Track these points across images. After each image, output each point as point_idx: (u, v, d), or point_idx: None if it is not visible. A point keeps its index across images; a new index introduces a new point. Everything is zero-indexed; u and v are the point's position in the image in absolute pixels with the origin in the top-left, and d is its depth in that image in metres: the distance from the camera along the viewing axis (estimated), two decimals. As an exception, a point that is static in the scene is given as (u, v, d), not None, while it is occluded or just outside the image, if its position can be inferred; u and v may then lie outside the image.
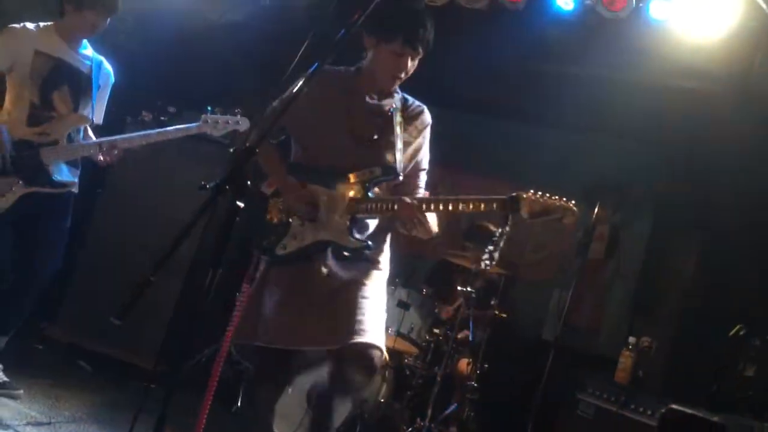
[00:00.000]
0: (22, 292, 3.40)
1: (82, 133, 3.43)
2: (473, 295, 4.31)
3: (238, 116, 3.25)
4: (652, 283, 4.97)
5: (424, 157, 2.70)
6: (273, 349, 2.48)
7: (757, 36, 3.89)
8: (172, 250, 1.53)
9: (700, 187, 4.60)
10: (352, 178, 2.49)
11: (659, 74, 4.40)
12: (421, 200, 2.42)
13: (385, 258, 2.64)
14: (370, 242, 2.49)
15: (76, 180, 3.46)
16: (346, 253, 2.48)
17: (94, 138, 3.49)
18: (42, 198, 3.31)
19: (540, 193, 2.28)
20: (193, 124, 3.34)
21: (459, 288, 4.42)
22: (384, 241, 2.65)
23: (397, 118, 2.57)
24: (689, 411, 2.83)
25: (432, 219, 2.47)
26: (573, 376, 4.26)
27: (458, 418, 4.38)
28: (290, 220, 2.54)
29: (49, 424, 3.35)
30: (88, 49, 3.46)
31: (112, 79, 3.58)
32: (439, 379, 4.18)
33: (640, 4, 4.09)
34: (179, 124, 4.76)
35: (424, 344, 4.53)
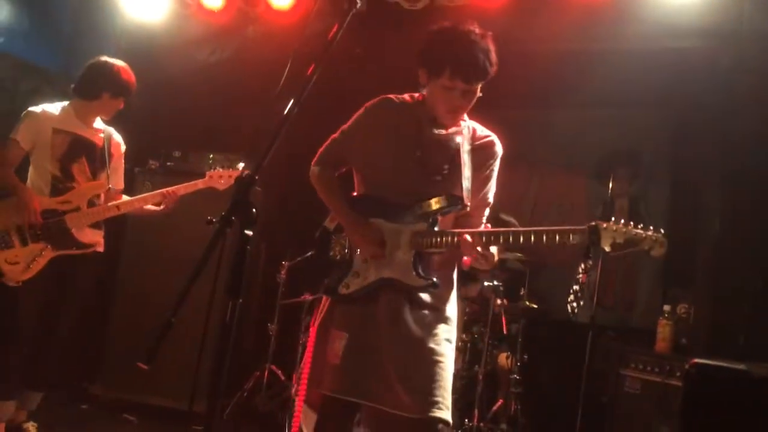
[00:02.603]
0: (46, 350, 3.64)
1: (102, 198, 3.76)
2: (501, 288, 4.29)
3: (243, 168, 3.48)
4: (680, 248, 4.91)
5: (491, 190, 2.53)
6: (339, 400, 2.33)
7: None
8: (188, 288, 1.55)
9: (715, 143, 4.55)
10: (417, 211, 2.35)
11: (652, 39, 4.38)
12: (487, 233, 2.22)
13: (452, 306, 2.47)
14: (435, 280, 2.33)
15: (101, 239, 3.76)
16: (413, 294, 2.34)
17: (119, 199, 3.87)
18: (69, 259, 3.61)
19: (622, 222, 2.07)
20: (200, 180, 3.76)
21: (486, 283, 4.40)
22: (450, 284, 2.48)
23: (465, 147, 2.44)
24: (713, 363, 2.76)
25: (494, 249, 2.29)
26: (614, 354, 4.22)
27: (506, 414, 4.35)
28: (353, 257, 2.42)
29: (103, 480, 3.39)
30: (100, 123, 3.82)
31: (123, 147, 3.93)
32: (480, 377, 4.15)
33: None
34: (186, 167, 4.86)
35: (460, 345, 4.51)
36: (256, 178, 1.66)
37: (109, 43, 5.39)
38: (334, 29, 1.99)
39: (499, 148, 2.53)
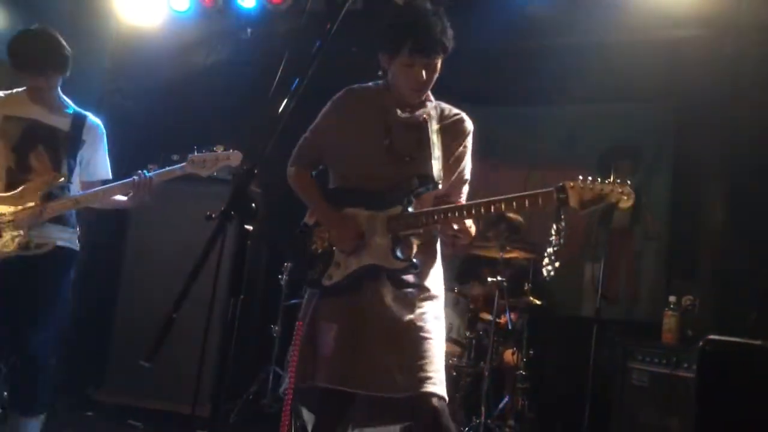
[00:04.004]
0: (25, 368, 3.12)
1: (73, 190, 3.27)
2: (505, 284, 4.27)
3: (229, 151, 3.09)
4: (682, 239, 4.90)
5: (466, 167, 2.55)
6: (335, 391, 2.34)
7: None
8: (188, 285, 1.53)
9: (717, 133, 4.52)
10: (391, 195, 2.38)
11: (648, 29, 4.36)
12: (460, 208, 2.27)
13: (437, 283, 2.50)
14: (415, 261, 2.36)
15: (64, 235, 3.21)
16: (395, 276, 2.36)
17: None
18: (23, 261, 3.09)
19: (589, 178, 2.09)
20: (178, 166, 3.20)
21: (489, 279, 4.38)
22: (433, 259, 2.50)
23: (433, 127, 2.46)
24: (729, 339, 2.74)
25: (470, 222, 2.34)
26: (620, 347, 4.19)
27: (513, 409, 4.33)
28: (334, 248, 2.45)
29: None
30: (67, 108, 3.31)
31: (101, 131, 3.39)
32: (486, 373, 4.13)
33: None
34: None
35: (465, 342, 4.48)
36: (255, 172, 1.64)
37: (105, 48, 5.39)
38: (328, 26, 1.98)
39: (469, 125, 2.55)
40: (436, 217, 2.29)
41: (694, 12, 4.10)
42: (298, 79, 1.82)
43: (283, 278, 4.78)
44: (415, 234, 2.39)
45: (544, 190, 2.13)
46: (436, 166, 2.41)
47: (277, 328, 4.75)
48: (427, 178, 2.38)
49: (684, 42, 4.43)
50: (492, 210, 2.21)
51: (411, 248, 2.39)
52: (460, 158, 2.52)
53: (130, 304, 4.86)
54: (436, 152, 2.42)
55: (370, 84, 2.54)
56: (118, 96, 5.37)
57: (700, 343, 2.76)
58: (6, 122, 3.17)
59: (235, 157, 3.08)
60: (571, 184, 2.08)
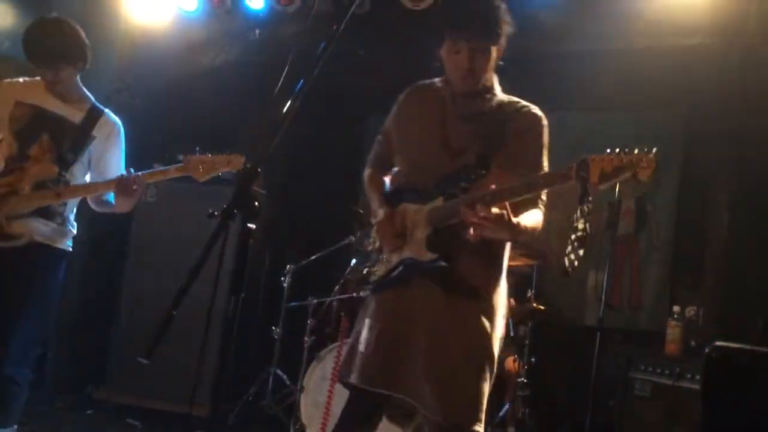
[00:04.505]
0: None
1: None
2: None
3: (229, 155, 2.95)
4: (688, 249, 4.86)
5: (535, 160, 2.33)
6: (366, 392, 2.28)
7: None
8: (188, 282, 1.51)
9: (725, 141, 4.50)
10: (436, 188, 2.31)
11: (657, 37, 4.35)
12: (482, 195, 2.13)
13: (499, 295, 2.32)
14: (443, 261, 2.23)
15: (44, 230, 3.02)
16: (445, 278, 2.24)
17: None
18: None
19: (608, 150, 2.01)
20: (173, 167, 3.06)
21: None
22: (495, 267, 2.33)
23: (491, 118, 2.35)
24: (736, 345, 2.69)
25: (527, 217, 2.18)
26: (623, 357, 4.17)
27: (514, 417, 4.30)
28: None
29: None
30: (86, 102, 3.21)
31: (117, 129, 3.24)
32: (487, 380, 4.10)
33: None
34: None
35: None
36: (258, 171, 1.63)
37: (114, 46, 5.40)
38: (334, 26, 1.97)
39: (538, 116, 2.39)
40: (463, 205, 2.15)
41: (703, 21, 4.09)
42: (302, 80, 1.82)
43: (286, 280, 4.77)
44: (456, 225, 2.21)
45: (562, 169, 2.07)
46: (482, 157, 2.29)
47: (278, 329, 4.73)
48: (471, 168, 2.27)
49: (692, 50, 4.42)
50: (516, 192, 2.10)
51: (449, 242, 2.25)
52: (525, 149, 2.33)
53: (132, 303, 4.85)
54: (489, 143, 2.31)
55: (436, 79, 2.48)
56: (125, 94, 5.38)
57: (706, 350, 2.72)
58: (16, 108, 3.07)
59: (235, 163, 2.96)
60: (593, 157, 2.00)
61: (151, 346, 1.46)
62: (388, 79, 5.64)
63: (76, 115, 3.13)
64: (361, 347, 2.32)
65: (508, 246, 2.40)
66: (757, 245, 4.21)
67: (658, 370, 3.91)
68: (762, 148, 4.19)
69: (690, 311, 4.25)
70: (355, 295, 4.44)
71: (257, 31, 5.20)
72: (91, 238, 4.97)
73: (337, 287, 4.64)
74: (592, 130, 5.22)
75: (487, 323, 2.26)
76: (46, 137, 3.06)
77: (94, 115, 3.17)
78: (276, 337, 4.73)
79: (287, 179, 5.66)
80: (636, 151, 1.99)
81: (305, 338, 4.49)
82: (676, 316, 4.10)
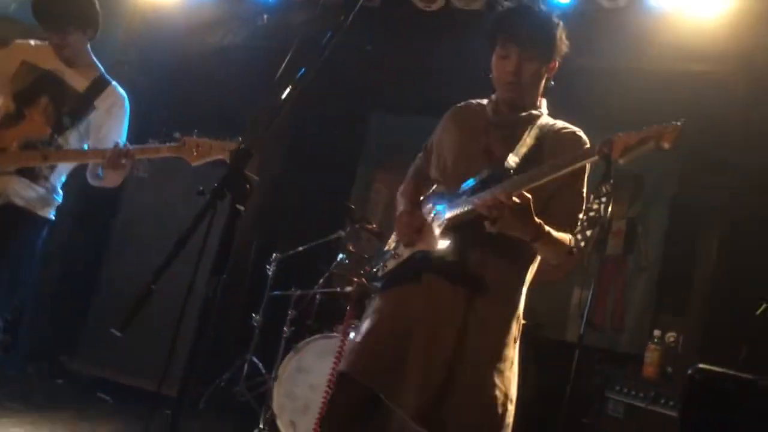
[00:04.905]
0: None
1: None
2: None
3: (227, 142, 2.86)
4: (674, 275, 4.87)
5: (570, 181, 2.20)
6: (352, 383, 2.19)
7: (759, 11, 3.82)
8: (171, 257, 1.50)
9: (718, 171, 4.51)
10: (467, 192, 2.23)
11: (666, 61, 4.35)
12: (496, 189, 2.03)
13: (511, 294, 2.24)
14: (452, 250, 2.14)
15: (26, 193, 2.97)
16: (458, 276, 2.14)
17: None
18: None
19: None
20: (165, 145, 2.98)
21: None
22: (511, 266, 2.23)
23: (532, 132, 2.27)
24: (719, 369, 2.69)
25: (554, 230, 2.08)
26: (600, 376, 4.17)
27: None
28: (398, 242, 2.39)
29: (70, 456, 3.34)
30: (94, 70, 3.19)
31: (122, 102, 3.22)
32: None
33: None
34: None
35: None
36: (252, 153, 1.61)
37: (121, 19, 5.36)
38: (342, 17, 1.96)
39: (584, 140, 2.32)
40: (477, 197, 2.07)
41: (711, 48, 4.09)
42: (304, 69, 1.80)
43: (271, 268, 4.74)
44: (474, 221, 2.09)
45: (585, 148, 2.11)
46: (513, 159, 2.19)
47: (258, 317, 4.71)
48: (498, 168, 2.17)
49: (697, 77, 4.42)
50: (539, 179, 2.00)
51: (465, 236, 2.15)
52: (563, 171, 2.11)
53: (114, 276, 4.82)
54: (522, 149, 2.22)
55: (484, 99, 2.45)
56: (127, 68, 5.34)
57: (689, 371, 2.71)
58: (21, 68, 3.03)
59: (231, 151, 2.85)
60: (619, 134, 1.97)
61: (127, 319, 1.44)
62: (393, 78, 5.67)
63: (80, 82, 3.10)
64: (358, 338, 2.28)
65: (537, 259, 2.28)
66: (743, 280, 4.22)
67: (633, 392, 3.91)
68: (756, 183, 4.20)
69: (670, 337, 4.25)
70: (339, 290, 4.43)
71: (265, 17, 5.17)
72: (79, 208, 4.94)
73: (321, 280, 4.62)
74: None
75: (509, 336, 2.18)
76: (45, 99, 3.02)
77: (99, 85, 3.14)
78: (255, 324, 4.70)
79: (283, 169, 5.64)
80: (652, 124, 1.98)
81: (285, 328, 4.48)
82: (656, 340, 4.10)
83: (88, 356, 4.73)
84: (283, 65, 1.90)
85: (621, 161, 1.95)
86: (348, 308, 4.06)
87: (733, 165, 4.42)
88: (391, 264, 2.35)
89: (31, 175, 2.96)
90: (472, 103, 2.48)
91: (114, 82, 3.21)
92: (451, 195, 2.27)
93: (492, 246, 2.13)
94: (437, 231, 2.23)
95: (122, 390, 4.53)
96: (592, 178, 2.26)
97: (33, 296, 4.93)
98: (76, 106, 3.07)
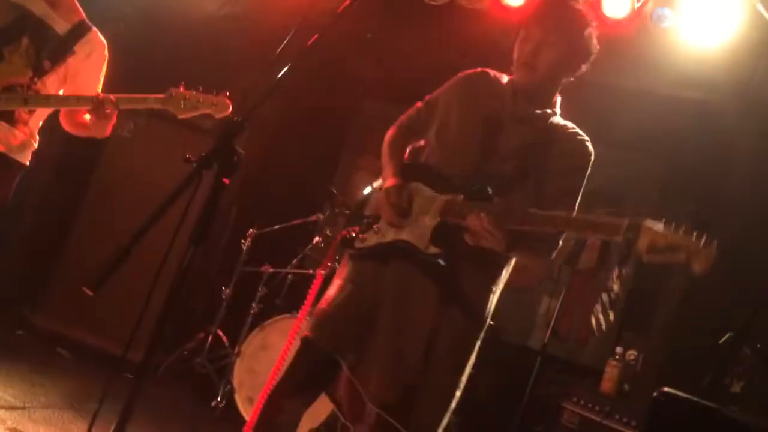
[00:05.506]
0: None
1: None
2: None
3: (216, 95, 2.77)
4: (641, 294, 4.94)
5: (569, 184, 2.28)
6: (318, 349, 2.19)
7: (759, 45, 3.86)
8: (151, 222, 1.48)
9: (697, 197, 4.58)
10: (460, 183, 2.19)
11: (662, 84, 4.39)
12: (503, 215, 2.02)
13: (480, 303, 2.25)
14: (443, 259, 2.13)
15: (4, 141, 2.90)
16: (423, 261, 2.14)
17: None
18: None
19: (668, 224, 1.84)
20: (153, 96, 2.84)
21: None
22: (490, 274, 2.26)
23: (544, 132, 2.25)
24: (683, 395, 2.72)
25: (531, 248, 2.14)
26: (559, 386, 4.22)
27: (440, 423, 4.32)
28: (380, 215, 2.30)
29: (23, 408, 3.30)
30: (77, 13, 3.07)
31: (101, 49, 3.11)
32: (422, 382, 4.12)
33: (644, 12, 4.07)
34: (171, 112, 4.71)
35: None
36: (244, 125, 1.60)
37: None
38: (346, 3, 1.95)
39: (589, 150, 2.33)
40: (481, 214, 2.03)
41: (706, 76, 4.13)
42: (302, 50, 1.79)
43: (246, 243, 4.72)
44: (463, 226, 2.10)
45: (615, 220, 1.89)
46: (512, 164, 2.19)
47: (228, 291, 4.69)
48: (508, 177, 2.17)
49: (688, 103, 4.46)
50: (548, 223, 1.98)
51: (455, 242, 2.13)
52: (564, 174, 2.25)
53: (86, 233, 4.76)
54: (533, 153, 2.21)
55: (504, 74, 2.37)
56: (121, 24, 5.26)
57: (654, 394, 2.74)
58: (1, 3, 2.88)
59: (220, 106, 2.79)
60: (648, 224, 1.83)
61: (100, 279, 1.42)
62: (391, 68, 5.65)
63: (62, 25, 2.99)
64: (325, 305, 2.26)
65: (512, 262, 2.31)
66: (707, 307, 4.30)
67: (589, 405, 3.96)
68: (731, 213, 4.27)
69: (630, 354, 4.31)
70: (311, 272, 4.43)
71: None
72: (58, 161, 4.86)
73: (294, 261, 4.61)
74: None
75: (470, 330, 2.22)
76: (26, 40, 2.91)
77: (80, 30, 3.03)
78: (224, 297, 4.68)
79: (270, 145, 5.60)
80: (695, 237, 1.82)
81: (253, 305, 4.47)
82: (617, 356, 4.16)
83: (51, 310, 4.67)
84: (283, 43, 1.89)
85: (646, 258, 1.83)
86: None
87: (710, 193, 4.49)
88: (371, 240, 2.28)
89: (10, 119, 2.88)
90: (490, 75, 2.37)
91: (95, 29, 3.10)
92: (443, 181, 2.23)
93: (471, 251, 2.14)
94: (429, 224, 2.18)
95: (82, 348, 4.49)
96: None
97: (1, 243, 4.85)
98: (56, 50, 2.96)
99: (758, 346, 3.52)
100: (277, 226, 4.75)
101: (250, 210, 5.25)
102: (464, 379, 2.24)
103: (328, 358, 2.18)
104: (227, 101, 2.75)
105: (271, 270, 4.59)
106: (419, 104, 2.47)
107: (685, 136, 4.60)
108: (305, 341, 2.23)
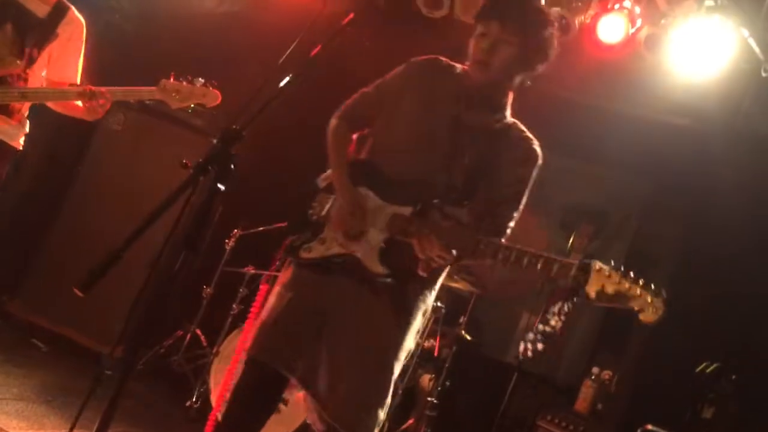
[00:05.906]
0: None
1: (31, 84, 2.92)
2: (443, 311, 4.28)
3: (206, 87, 2.81)
4: (620, 315, 4.98)
5: (516, 198, 2.23)
6: (264, 366, 2.17)
7: (748, 77, 3.93)
8: (145, 225, 1.48)
9: (680, 225, 4.64)
10: (408, 191, 2.12)
11: (652, 109, 4.45)
12: (454, 241, 2.00)
13: (420, 313, 2.23)
14: (391, 279, 2.09)
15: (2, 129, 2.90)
16: (373, 282, 2.11)
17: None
18: None
19: (622, 268, 1.78)
20: (146, 88, 2.86)
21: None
22: (427, 287, 2.23)
23: (494, 139, 2.19)
24: None
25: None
26: (534, 401, 4.25)
27: (415, 433, 4.34)
28: (327, 222, 2.22)
29: (-4, 399, 3.26)
30: None
31: (81, 29, 3.04)
32: (400, 391, 4.13)
33: (637, 38, 4.13)
34: (164, 107, 4.67)
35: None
36: (243, 134, 1.61)
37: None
38: (349, 17, 1.96)
39: (535, 152, 2.26)
40: (434, 238, 1.99)
41: (694, 103, 4.20)
42: (305, 60, 1.80)
43: (229, 243, 4.70)
44: (409, 243, 2.08)
45: (566, 260, 1.84)
46: (473, 184, 2.15)
47: (209, 290, 4.66)
48: (452, 189, 2.13)
49: (677, 129, 4.52)
50: (499, 257, 1.92)
51: (405, 257, 2.09)
52: (512, 183, 2.21)
53: (70, 225, 4.71)
54: (482, 163, 2.15)
55: (457, 64, 2.27)
56: (117, 16, 5.22)
57: (638, 430, 2.76)
58: None
59: (211, 97, 2.83)
60: (599, 267, 1.77)
61: (91, 282, 1.42)
62: (384, 74, 5.65)
63: (41, 8, 2.93)
64: (265, 316, 2.20)
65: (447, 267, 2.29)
66: (684, 333, 4.35)
67: (563, 423, 4.00)
68: (712, 243, 4.33)
69: (605, 374, 4.36)
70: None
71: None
72: (46, 149, 4.81)
73: (277, 263, 4.60)
74: (555, 174, 5.30)
75: (403, 338, 2.18)
76: (9, 27, 2.86)
77: (59, 11, 2.97)
78: (204, 297, 4.66)
79: (261, 147, 5.58)
80: (642, 283, 1.77)
81: (234, 305, 4.45)
82: (593, 376, 4.20)
83: (29, 300, 4.61)
84: (288, 52, 1.89)
85: (592, 302, 1.79)
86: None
87: (692, 218, 4.55)
88: (316, 251, 2.19)
89: (6, 112, 2.86)
90: (446, 67, 2.27)
91: (72, 6, 3.03)
92: (389, 188, 2.16)
93: (417, 265, 2.11)
94: (375, 240, 2.12)
95: (57, 341, 4.44)
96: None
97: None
98: (39, 35, 2.91)
99: (733, 377, 3.57)
100: (261, 228, 4.74)
101: (235, 210, 5.22)
102: (394, 378, 2.21)
103: (275, 374, 2.17)
104: (217, 92, 2.78)
105: (254, 271, 4.57)
106: (367, 90, 2.36)
107: (673, 159, 4.66)
108: (250, 362, 2.20)
